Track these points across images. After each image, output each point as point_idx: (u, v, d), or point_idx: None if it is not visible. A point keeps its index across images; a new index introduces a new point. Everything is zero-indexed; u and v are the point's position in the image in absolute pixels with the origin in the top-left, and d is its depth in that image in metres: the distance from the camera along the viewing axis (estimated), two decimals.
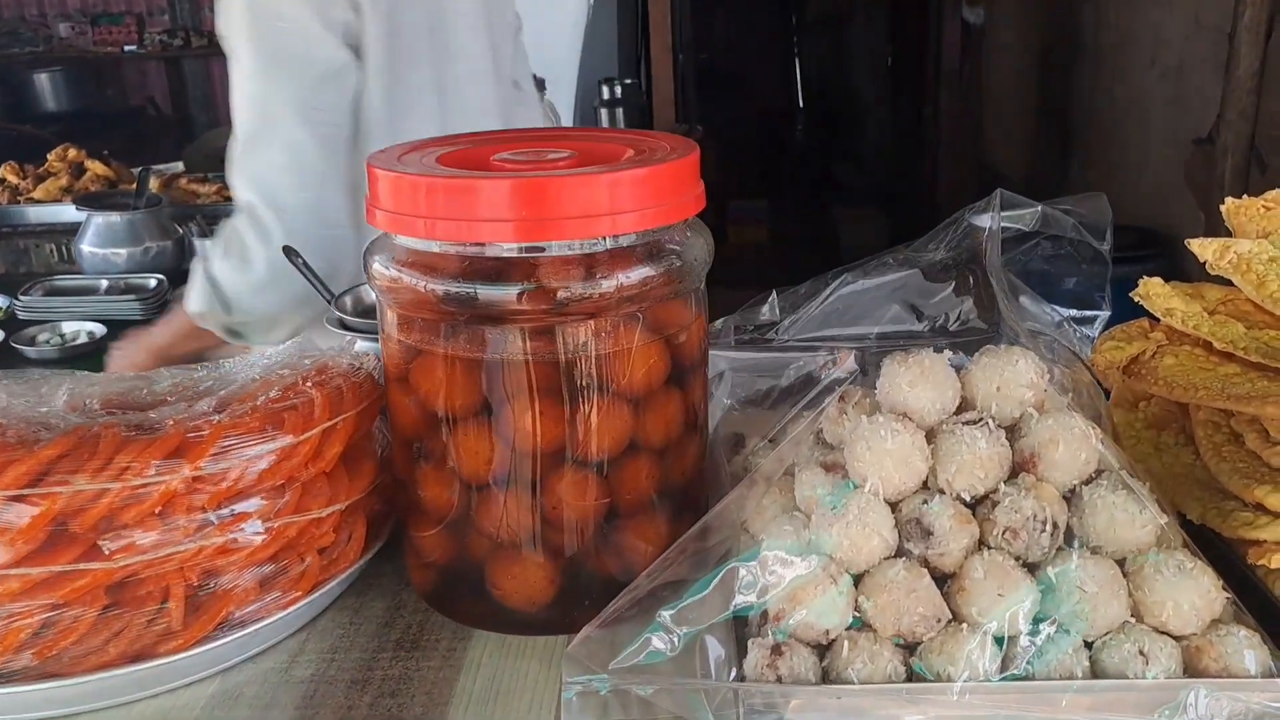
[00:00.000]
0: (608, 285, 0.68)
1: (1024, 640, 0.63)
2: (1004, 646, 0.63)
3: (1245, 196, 0.91)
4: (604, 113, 2.82)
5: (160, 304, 2.06)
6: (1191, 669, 0.62)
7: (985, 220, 0.94)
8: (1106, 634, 0.63)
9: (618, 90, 2.81)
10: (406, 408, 0.71)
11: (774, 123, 6.69)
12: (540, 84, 1.87)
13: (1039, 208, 0.99)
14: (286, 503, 0.67)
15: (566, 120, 2.01)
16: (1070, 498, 0.66)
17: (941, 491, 0.66)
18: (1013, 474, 0.67)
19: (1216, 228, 3.13)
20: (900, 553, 0.65)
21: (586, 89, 2.85)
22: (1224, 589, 0.63)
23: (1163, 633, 0.63)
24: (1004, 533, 0.64)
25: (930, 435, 0.67)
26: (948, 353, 0.69)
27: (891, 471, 0.65)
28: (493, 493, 0.70)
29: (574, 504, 0.70)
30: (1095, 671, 0.62)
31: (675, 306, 0.73)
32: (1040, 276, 1.14)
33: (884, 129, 6.28)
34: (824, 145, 6.73)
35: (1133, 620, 0.63)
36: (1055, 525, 0.64)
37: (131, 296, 2.10)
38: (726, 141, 5.59)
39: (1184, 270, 3.04)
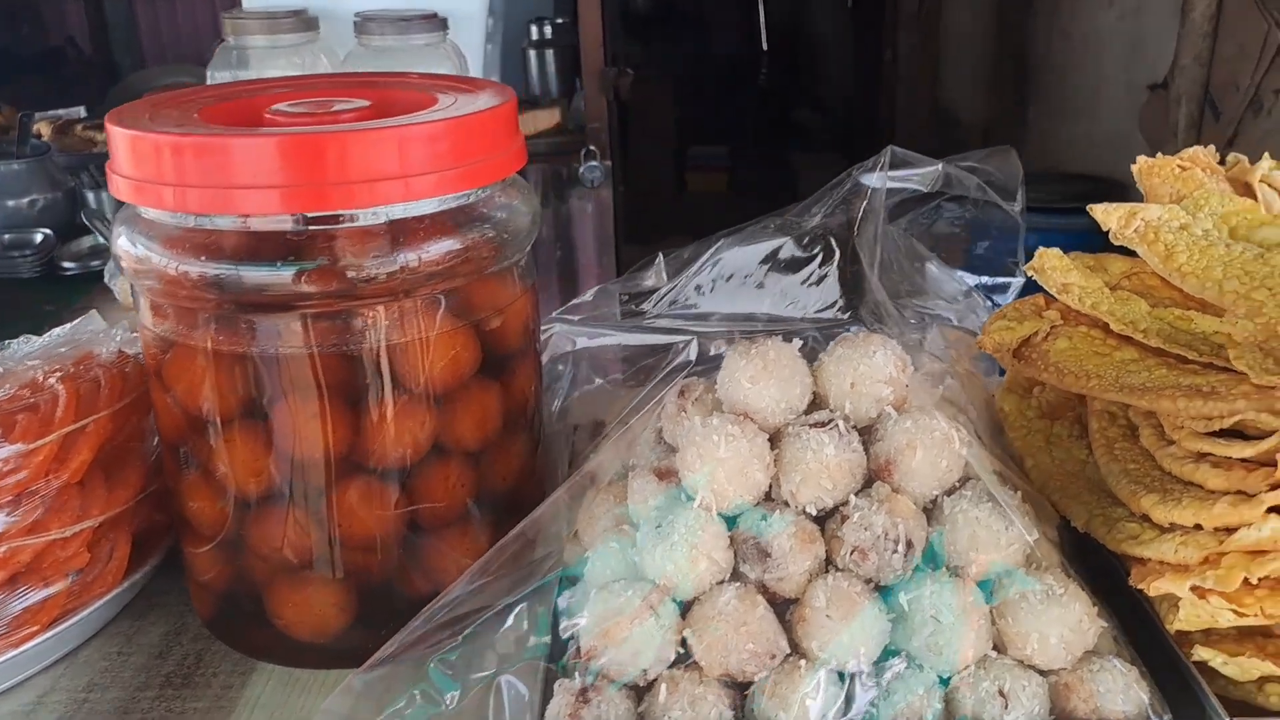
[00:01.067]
0: (401, 263, 0.58)
1: (870, 679, 0.54)
2: (846, 686, 0.54)
3: (1196, 148, 0.81)
4: (532, 55, 2.67)
5: (46, 260, 1.93)
6: (1059, 709, 0.54)
7: (874, 180, 0.84)
8: (965, 670, 0.54)
9: (547, 30, 2.66)
10: (168, 407, 0.61)
11: (736, 66, 6.53)
12: (441, 23, 1.73)
13: (939, 166, 0.89)
14: (16, 522, 0.57)
15: (475, 66, 1.87)
16: (931, 510, 0.58)
17: (786, 505, 0.57)
18: (869, 483, 0.58)
19: None
20: (737, 576, 0.57)
21: (517, 28, 2.69)
22: (1100, 617, 0.55)
23: (1030, 667, 0.55)
24: (852, 553, 0.55)
25: (776, 439, 0.58)
26: (798, 342, 0.59)
27: (725, 483, 0.56)
28: (269, 507, 0.60)
29: (365, 518, 0.61)
30: (950, 714, 0.54)
31: (489, 285, 0.63)
32: (948, 240, 1.06)
33: (845, 72, 6.14)
34: (787, 89, 6.59)
35: (994, 654, 0.55)
36: (910, 544, 0.55)
37: (15, 253, 1.96)
38: (686, 86, 5.43)
39: None
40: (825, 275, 0.79)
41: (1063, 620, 0.54)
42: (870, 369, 0.58)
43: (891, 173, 0.88)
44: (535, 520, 0.60)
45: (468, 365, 0.62)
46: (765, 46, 6.95)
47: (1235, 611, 0.51)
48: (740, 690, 0.55)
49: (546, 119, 2.48)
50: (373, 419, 0.60)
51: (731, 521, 0.57)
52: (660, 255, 0.92)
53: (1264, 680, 0.53)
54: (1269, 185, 0.78)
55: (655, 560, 0.55)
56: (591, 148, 2.32)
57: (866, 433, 0.59)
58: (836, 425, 0.57)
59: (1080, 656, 0.54)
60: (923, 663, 0.54)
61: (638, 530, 0.58)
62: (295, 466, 0.59)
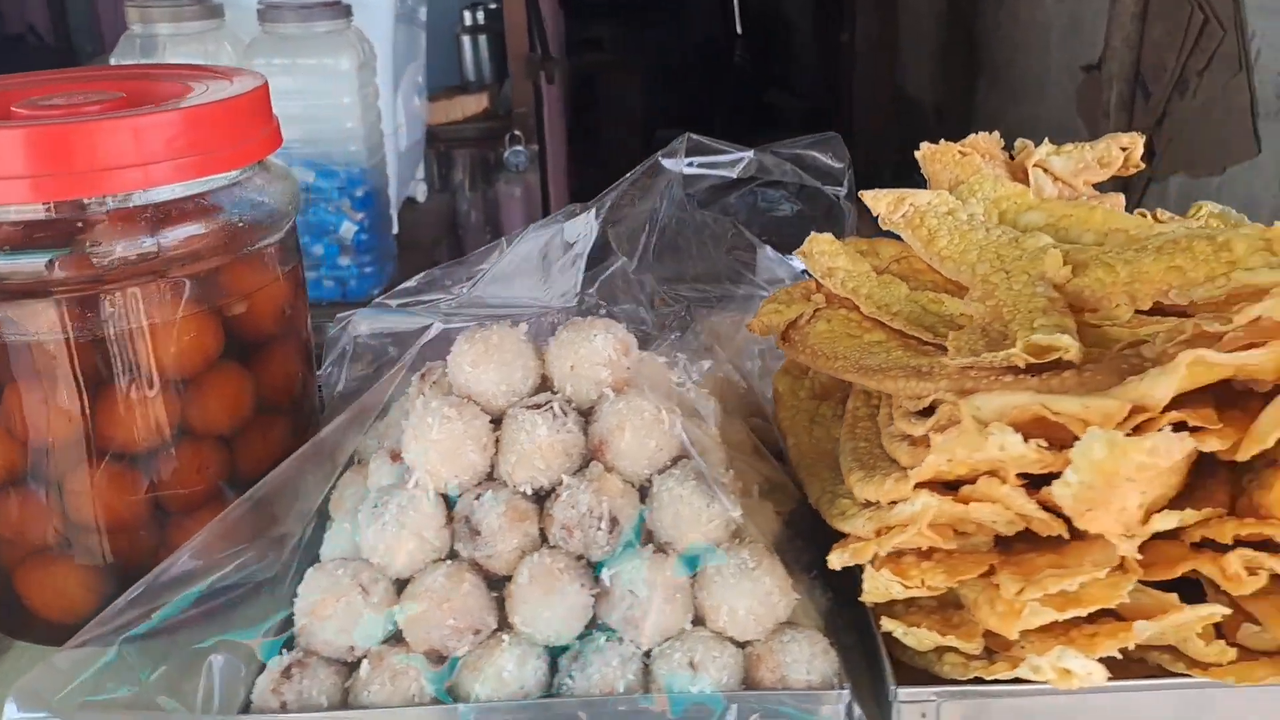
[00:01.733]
0: (145, 248, 0.60)
1: (574, 651, 0.56)
2: (548, 659, 0.56)
3: (980, 135, 0.82)
4: (466, 41, 2.67)
5: None
6: (750, 679, 0.56)
7: (672, 165, 0.86)
8: (665, 643, 0.56)
9: (480, 16, 2.66)
10: None
11: (709, 50, 6.53)
12: (345, 10, 1.74)
13: (749, 154, 0.91)
14: None
15: (384, 52, 1.87)
16: (647, 489, 0.60)
17: (505, 485, 0.59)
18: (589, 463, 0.60)
19: None
20: (454, 555, 0.59)
21: (452, 14, 2.69)
22: (792, 590, 0.57)
23: (727, 639, 0.57)
24: (561, 530, 0.57)
25: (501, 421, 0.60)
26: (523, 327, 0.61)
27: (438, 464, 0.58)
28: (19, 491, 0.62)
29: (115, 502, 0.62)
30: (648, 684, 0.56)
31: (238, 269, 0.64)
32: (783, 225, 1.07)
33: (809, 55, 6.14)
34: (757, 72, 6.59)
35: (691, 627, 0.57)
36: (615, 521, 0.57)
37: None
38: (657, 69, 5.43)
39: None
40: (607, 261, 0.81)
41: (753, 594, 0.56)
42: (589, 352, 0.60)
43: (701, 158, 0.89)
44: (274, 492, 0.62)
45: (213, 350, 0.63)
46: (740, 31, 6.96)
47: (902, 584, 0.53)
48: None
49: (474, 104, 2.49)
50: (119, 404, 0.61)
51: (454, 502, 0.59)
52: (504, 239, 0.93)
53: (943, 650, 0.55)
54: (1043, 170, 0.80)
55: (369, 539, 0.57)
56: (517, 133, 2.33)
57: (590, 414, 0.61)
58: (551, 407, 0.59)
59: (773, 628, 0.56)
60: (623, 635, 0.56)
61: None
62: (44, 451, 0.61)
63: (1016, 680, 0.52)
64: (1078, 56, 3.12)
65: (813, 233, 0.77)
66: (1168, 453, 0.44)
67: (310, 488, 0.63)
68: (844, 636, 0.59)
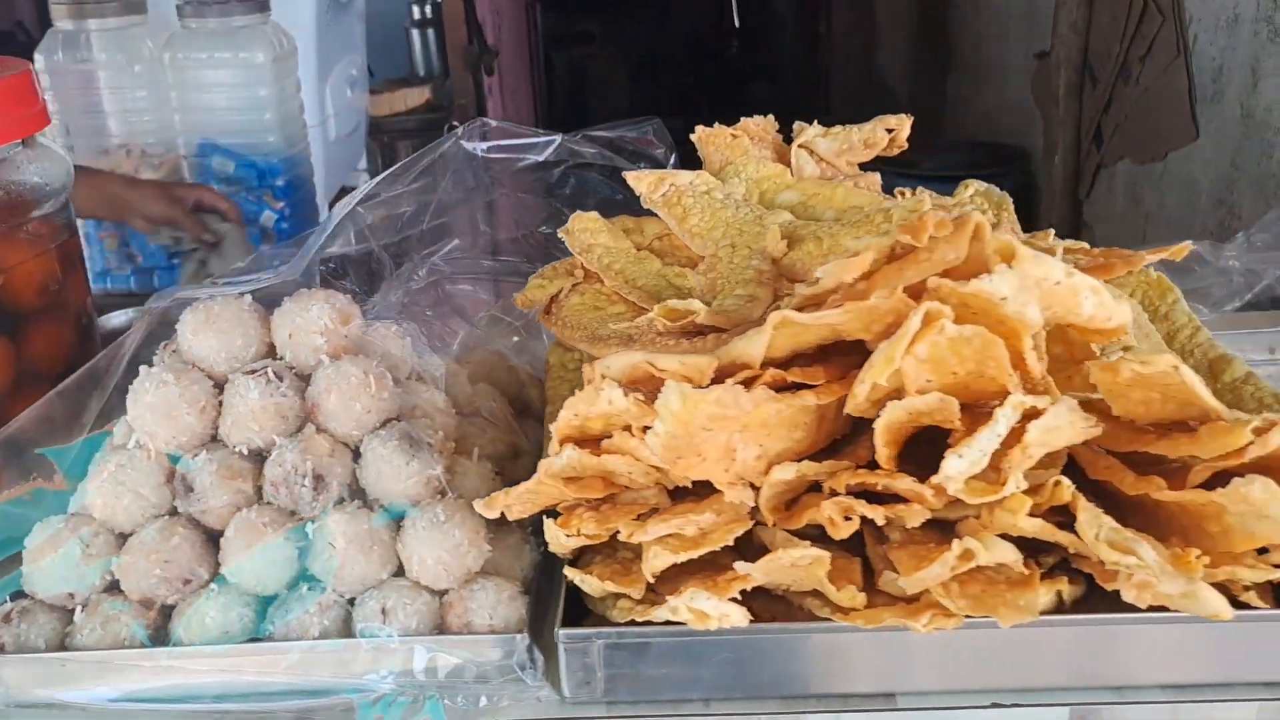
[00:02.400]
0: None
1: (280, 600, 0.61)
2: (254, 606, 0.61)
3: (754, 119, 0.85)
4: (415, 34, 2.71)
5: None
6: (443, 625, 0.60)
7: (473, 148, 0.89)
8: (366, 591, 0.60)
9: (428, 10, 2.69)
10: None
11: (698, 41, 6.55)
12: (262, 4, 1.78)
13: (558, 138, 0.94)
14: None
15: (307, 46, 1.91)
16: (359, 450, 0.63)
17: (225, 445, 0.63)
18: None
19: (1054, 144, 3.05)
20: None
21: (401, 7, 2.73)
22: (484, 541, 0.61)
23: (424, 587, 0.61)
24: (270, 487, 0.61)
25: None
26: (247, 298, 0.65)
27: (154, 425, 0.62)
28: None
29: None
30: (349, 630, 0.60)
31: None
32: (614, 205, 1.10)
33: (793, 46, 6.16)
34: (743, 63, 6.61)
35: (391, 578, 0.61)
36: (320, 478, 0.61)
37: None
38: (646, 60, 5.48)
39: (1038, 186, 3.01)
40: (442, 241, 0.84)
41: (442, 545, 0.60)
42: (305, 321, 0.64)
43: (503, 141, 0.93)
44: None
45: None
46: (737, 23, 6.97)
47: (565, 533, 0.56)
48: (165, 613, 0.61)
49: (416, 96, 2.53)
50: None
51: (176, 461, 0.63)
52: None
53: (617, 596, 0.58)
54: (809, 151, 0.83)
55: (90, 494, 0.61)
56: (455, 124, 2.37)
57: (309, 380, 0.64)
58: (265, 372, 0.62)
59: (464, 577, 0.60)
60: (326, 585, 0.60)
61: None
62: None
63: (672, 623, 0.56)
64: (1033, 44, 3.13)
65: (578, 212, 0.80)
66: (735, 404, 0.48)
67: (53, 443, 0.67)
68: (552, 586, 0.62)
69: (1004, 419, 0.48)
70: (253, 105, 1.77)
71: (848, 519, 0.51)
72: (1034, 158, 3.12)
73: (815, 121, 0.84)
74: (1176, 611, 0.53)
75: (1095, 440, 0.59)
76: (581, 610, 0.59)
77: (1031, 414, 0.51)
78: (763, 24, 6.69)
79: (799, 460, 0.53)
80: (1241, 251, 0.84)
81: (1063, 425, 0.52)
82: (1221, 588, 0.52)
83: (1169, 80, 2.36)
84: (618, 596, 0.58)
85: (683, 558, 0.52)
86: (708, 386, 0.48)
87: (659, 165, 1.01)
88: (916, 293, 0.49)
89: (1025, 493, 0.54)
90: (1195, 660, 0.56)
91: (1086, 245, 0.69)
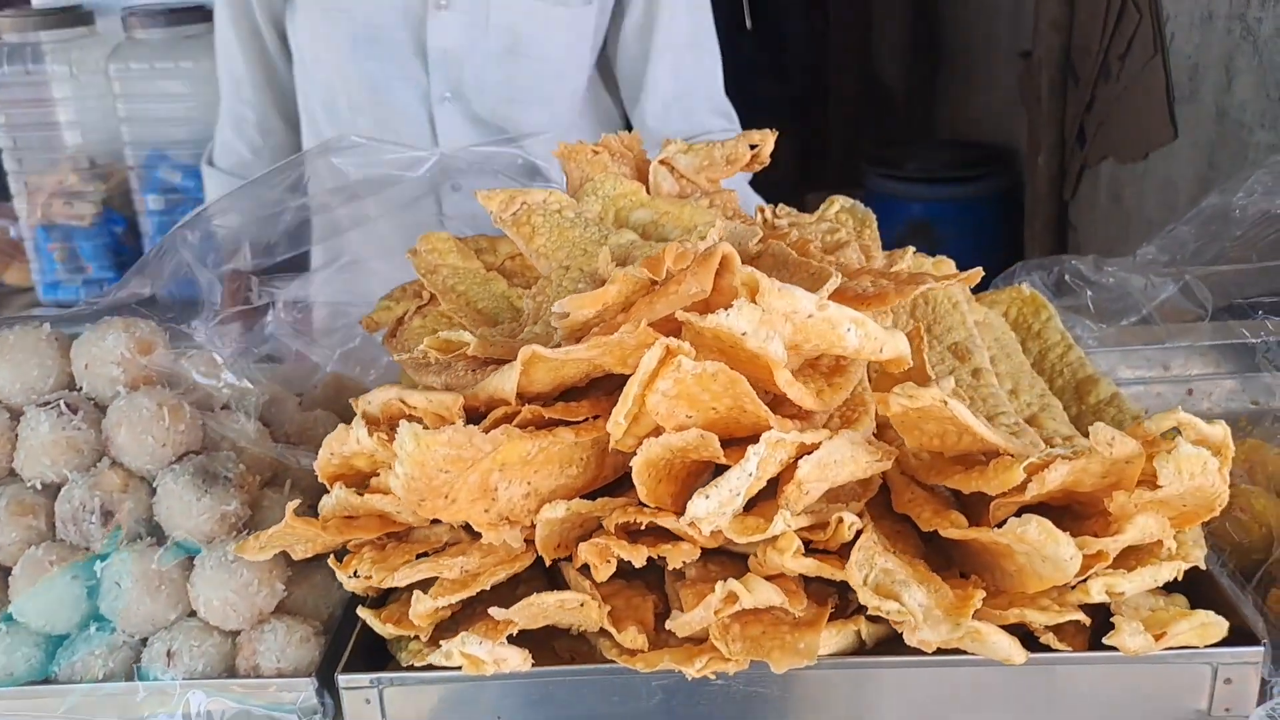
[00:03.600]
0: None
1: (70, 640, 0.59)
2: (45, 644, 0.59)
3: (618, 134, 0.83)
4: None
5: None
6: (232, 666, 0.58)
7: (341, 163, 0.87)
8: (155, 631, 0.59)
9: None
10: None
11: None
12: (209, 15, 1.77)
13: (439, 153, 0.91)
14: None
15: None
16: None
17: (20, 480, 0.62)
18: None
19: (1038, 143, 2.99)
20: None
21: None
22: (277, 580, 0.58)
23: (213, 628, 0.59)
24: (60, 523, 0.60)
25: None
26: (46, 327, 0.63)
27: None
28: None
29: None
30: (130, 675, 0.58)
31: None
32: None
33: (797, 45, 6.11)
34: (752, 63, 6.56)
35: (178, 617, 0.59)
36: (109, 514, 0.59)
37: None
38: None
39: (1022, 186, 2.96)
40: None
41: (229, 584, 0.58)
42: (102, 351, 0.62)
43: (379, 158, 0.91)
44: None
45: None
46: (749, 23, 6.94)
47: (345, 575, 0.54)
48: None
49: None
50: None
51: None
52: None
53: (406, 639, 0.56)
54: (670, 167, 0.80)
55: None
56: None
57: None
58: (58, 404, 0.61)
59: (256, 618, 0.58)
60: (115, 625, 0.59)
61: None
62: None
63: (456, 667, 0.53)
64: (1020, 43, 3.08)
65: (429, 232, 0.78)
66: (470, 444, 0.45)
67: None
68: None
69: (755, 457, 0.46)
70: (201, 115, 1.76)
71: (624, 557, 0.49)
72: (1022, 158, 3.08)
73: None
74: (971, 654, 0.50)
75: (913, 472, 0.57)
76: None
77: (807, 448, 0.48)
78: (772, 23, 6.66)
79: (581, 496, 0.51)
80: (1133, 267, 0.81)
81: (843, 460, 0.49)
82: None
83: (1147, 79, 2.31)
84: (409, 638, 0.56)
85: (444, 602, 0.50)
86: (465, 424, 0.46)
87: (546, 178, 0.99)
88: (678, 327, 0.47)
89: (811, 529, 0.51)
90: (991, 705, 0.53)
91: (935, 266, 0.65)
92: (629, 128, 1.26)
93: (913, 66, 4.32)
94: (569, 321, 0.48)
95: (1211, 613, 0.50)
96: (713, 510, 0.46)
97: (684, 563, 0.52)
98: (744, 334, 0.44)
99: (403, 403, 0.48)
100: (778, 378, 0.46)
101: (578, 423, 0.49)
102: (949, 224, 3.06)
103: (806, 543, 0.52)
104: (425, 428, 0.45)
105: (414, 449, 0.45)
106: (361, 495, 0.51)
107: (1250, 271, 0.75)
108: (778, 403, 0.49)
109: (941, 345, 0.72)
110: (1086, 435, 0.72)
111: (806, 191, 3.42)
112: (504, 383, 0.47)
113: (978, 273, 0.58)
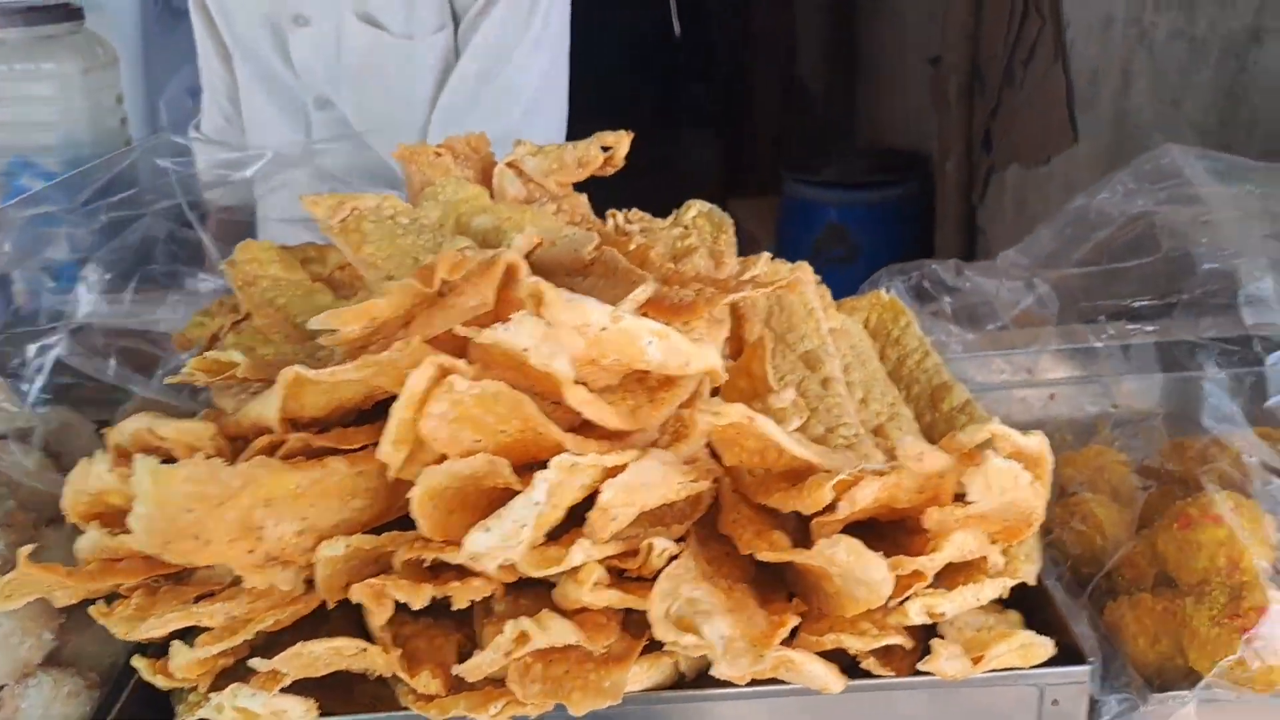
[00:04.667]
0: None
1: None
2: None
3: (457, 136, 0.79)
4: None
5: None
6: None
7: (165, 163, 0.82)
8: None
9: None
10: None
11: (634, 46, 6.49)
12: (75, 13, 1.69)
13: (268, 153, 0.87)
14: None
15: (131, 55, 1.83)
16: None
17: None
18: None
19: (947, 149, 3.00)
20: None
21: None
22: (43, 629, 0.53)
23: None
24: None
25: None
26: None
27: None
28: None
29: None
30: None
31: None
32: None
33: (722, 48, 6.13)
34: (678, 66, 6.56)
35: None
36: None
37: None
38: (580, 64, 5.40)
39: (934, 190, 2.98)
40: None
41: None
42: None
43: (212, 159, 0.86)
44: None
45: None
46: (677, 30, 6.93)
47: (110, 620, 0.49)
48: None
49: None
50: None
51: None
52: None
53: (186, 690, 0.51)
54: (518, 170, 0.77)
55: None
56: None
57: None
58: None
59: (20, 671, 0.53)
60: None
61: None
62: None
63: None
64: (931, 50, 3.12)
65: (247, 240, 0.73)
66: (214, 479, 0.41)
67: None
68: None
69: (544, 483, 0.42)
70: (66, 119, 1.68)
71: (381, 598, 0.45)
72: (930, 161, 3.11)
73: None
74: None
75: (746, 490, 0.53)
76: None
77: (612, 471, 0.45)
78: (699, 28, 6.65)
79: (373, 530, 0.47)
80: (994, 272, 0.79)
81: (653, 482, 0.46)
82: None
83: (1049, 84, 2.34)
84: (188, 690, 0.51)
85: (207, 652, 0.45)
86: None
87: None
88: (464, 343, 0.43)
89: (623, 556, 0.48)
90: None
91: (763, 268, 0.63)
92: None
93: (832, 73, 4.35)
94: (340, 338, 0.44)
95: (1033, 633, 0.48)
96: (494, 545, 0.42)
97: (494, 596, 0.48)
98: (525, 350, 0.40)
99: (152, 432, 0.43)
100: (568, 396, 0.42)
101: (354, 451, 0.45)
102: (864, 228, 3.07)
103: (621, 571, 0.48)
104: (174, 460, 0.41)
105: (151, 486, 0.40)
106: (115, 535, 0.46)
107: (1097, 275, 0.74)
108: (591, 423, 0.46)
109: (794, 354, 0.69)
110: (936, 443, 0.70)
111: (729, 197, 3.42)
112: (265, 409, 0.43)
113: (799, 278, 0.56)
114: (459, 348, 0.44)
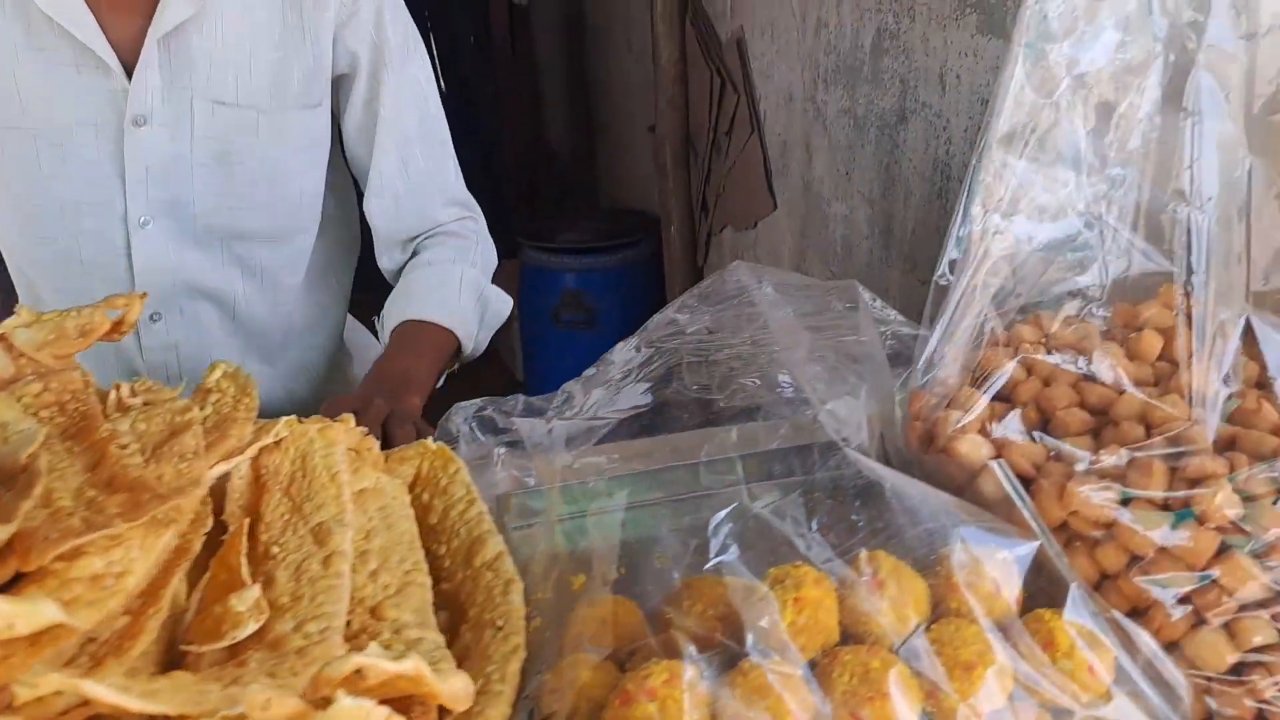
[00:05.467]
0: None
1: None
2: None
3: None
4: None
5: None
6: None
7: None
8: None
9: None
10: None
11: None
12: None
13: None
14: None
15: None
16: None
17: None
18: None
19: (670, 212, 3.05)
20: None
21: None
22: None
23: None
24: None
25: None
26: None
27: None
28: None
29: None
30: None
31: None
32: None
33: (483, 110, 6.13)
34: (455, 126, 6.47)
35: None
36: None
37: None
38: None
39: (662, 255, 3.06)
40: None
41: None
42: None
43: None
44: None
45: None
46: (441, 88, 6.84)
47: None
48: None
49: None
50: None
51: None
52: None
53: None
54: (6, 344, 0.70)
55: None
56: None
57: None
58: None
59: None
60: None
61: None
62: None
63: None
64: (648, 118, 3.22)
65: None
66: None
67: None
68: None
69: None
70: None
71: None
72: (659, 226, 3.20)
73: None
74: None
75: None
76: None
77: None
78: (466, 89, 6.62)
79: None
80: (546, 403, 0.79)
81: None
82: None
83: (749, 154, 2.46)
84: None
85: None
86: None
87: None
88: None
89: None
90: None
91: (282, 433, 0.59)
92: None
93: (576, 135, 4.43)
94: None
95: None
96: None
97: None
98: None
99: None
100: None
101: None
102: (600, 292, 3.11)
103: None
104: None
105: None
106: None
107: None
108: None
109: (306, 526, 0.66)
110: (465, 607, 0.68)
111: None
112: None
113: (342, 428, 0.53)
114: None
